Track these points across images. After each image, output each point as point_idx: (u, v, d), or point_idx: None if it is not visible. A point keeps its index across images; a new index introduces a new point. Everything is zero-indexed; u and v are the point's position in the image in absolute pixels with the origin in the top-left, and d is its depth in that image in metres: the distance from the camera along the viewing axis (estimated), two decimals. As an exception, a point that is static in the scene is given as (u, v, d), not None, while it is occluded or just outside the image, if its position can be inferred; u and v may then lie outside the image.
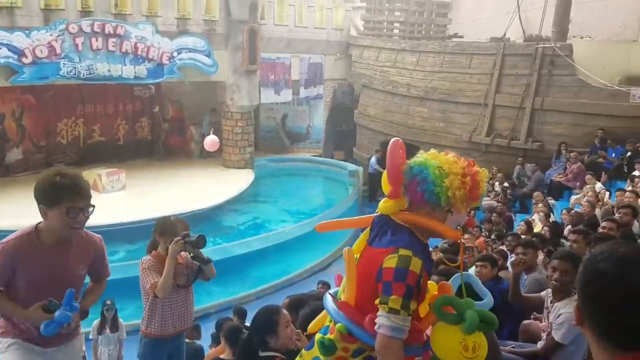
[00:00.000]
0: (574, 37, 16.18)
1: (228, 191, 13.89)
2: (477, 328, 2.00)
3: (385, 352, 1.95)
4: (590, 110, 12.75)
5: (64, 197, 2.66)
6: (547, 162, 13.02)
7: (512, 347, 4.01)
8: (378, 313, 1.97)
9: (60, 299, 2.71)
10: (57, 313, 2.66)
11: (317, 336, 2.25)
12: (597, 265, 1.20)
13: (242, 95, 15.65)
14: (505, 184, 12.68)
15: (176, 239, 3.94)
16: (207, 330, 7.03)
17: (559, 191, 12.06)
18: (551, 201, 11.10)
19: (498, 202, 11.70)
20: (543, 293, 4.22)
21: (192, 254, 4.11)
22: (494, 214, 10.35)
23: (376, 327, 1.96)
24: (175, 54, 13.99)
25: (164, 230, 4.07)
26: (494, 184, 12.97)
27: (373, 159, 16.31)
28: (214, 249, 11.05)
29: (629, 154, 11.31)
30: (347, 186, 16.01)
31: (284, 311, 3.24)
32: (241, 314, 7.03)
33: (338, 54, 18.67)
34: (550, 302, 3.93)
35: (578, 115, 12.91)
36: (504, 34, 15.32)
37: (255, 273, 10.99)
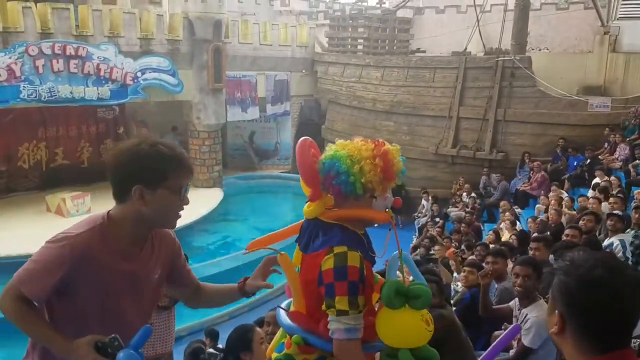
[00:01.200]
0: (533, 49, 16.73)
1: (197, 211, 13.69)
2: (430, 301, 1.96)
3: (344, 356, 1.89)
4: (551, 120, 13.14)
5: (172, 171, 2.01)
6: (512, 172, 13.32)
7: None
8: (329, 318, 1.92)
9: (125, 326, 1.98)
10: (120, 354, 1.78)
11: (274, 356, 2.15)
12: (590, 274, 1.25)
13: (209, 113, 15.56)
14: (473, 195, 12.90)
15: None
16: (179, 353, 6.87)
17: (524, 200, 12.33)
18: (517, 210, 11.34)
19: (466, 212, 11.88)
20: (512, 303, 4.29)
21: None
22: (463, 225, 10.50)
23: (330, 333, 1.90)
24: (139, 74, 13.84)
25: None
26: (461, 194, 13.18)
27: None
28: (184, 270, 10.88)
29: (588, 161, 11.66)
30: (318, 202, 16.02)
31: (258, 329, 3.22)
32: (213, 335, 6.93)
33: (304, 71, 18.80)
34: (518, 310, 4.00)
35: (539, 125, 13.28)
36: (465, 48, 15.72)
37: (227, 293, 10.83)
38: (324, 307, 1.93)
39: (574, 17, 18.62)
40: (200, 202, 14.41)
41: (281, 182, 17.93)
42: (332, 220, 2.05)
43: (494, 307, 4.49)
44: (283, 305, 2.25)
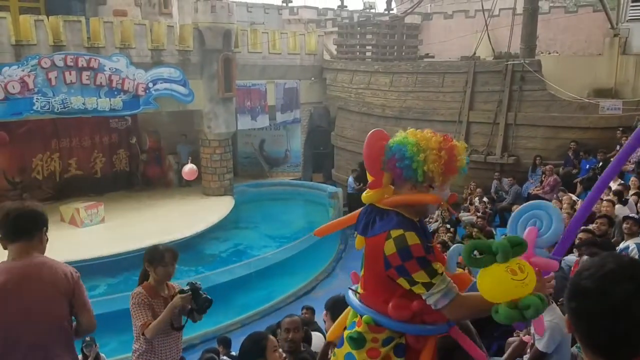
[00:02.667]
0: (542, 53, 16.67)
1: (208, 219, 13.80)
2: (510, 252, 1.92)
3: (460, 314, 2.06)
4: (562, 124, 13.06)
5: None
6: (524, 176, 13.24)
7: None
8: (423, 296, 2.02)
9: None
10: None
11: (345, 333, 2.29)
12: (580, 282, 1.25)
13: (219, 122, 15.68)
14: (485, 199, 12.84)
15: (182, 296, 3.68)
16: (192, 361, 6.92)
17: (536, 204, 12.23)
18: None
19: (478, 217, 11.82)
20: None
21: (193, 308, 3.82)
22: (475, 229, 10.44)
23: (433, 307, 2.02)
24: (150, 84, 13.98)
25: (152, 259, 3.81)
26: (473, 199, 13.12)
27: (350, 179, 16.41)
28: (196, 277, 10.94)
29: (600, 164, 11.56)
30: (328, 208, 16.04)
31: (271, 336, 3.23)
32: (226, 343, 6.96)
33: (313, 78, 18.88)
34: None
35: (550, 129, 13.20)
36: (474, 53, 15.70)
37: (239, 300, 10.88)
38: (407, 287, 2.05)
39: (583, 20, 18.58)
40: (212, 210, 14.51)
41: (292, 189, 17.98)
42: (388, 207, 2.17)
43: None
44: (352, 287, 2.40)
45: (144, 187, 16.66)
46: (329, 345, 4.00)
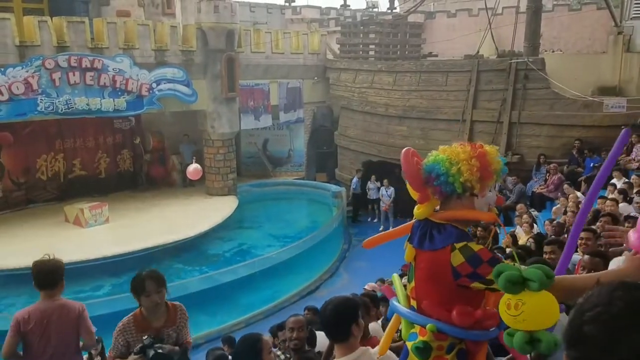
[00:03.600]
0: (546, 51, 16.61)
1: (212, 219, 13.81)
2: (514, 286, 1.86)
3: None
4: (566, 122, 13.02)
5: None
6: (528, 174, 13.19)
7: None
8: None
9: None
10: None
11: (409, 345, 2.36)
12: (582, 328, 1.04)
13: (223, 122, 15.69)
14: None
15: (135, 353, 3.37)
16: (198, 361, 6.91)
17: (541, 202, 12.21)
18: (534, 213, 11.22)
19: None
20: None
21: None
22: (479, 228, 10.41)
23: None
24: (154, 85, 14.01)
25: (134, 289, 3.59)
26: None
27: (355, 179, 16.44)
28: (200, 277, 10.96)
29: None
30: (332, 207, 16.04)
31: (265, 337, 3.21)
32: (230, 342, 6.96)
33: (316, 78, 18.88)
34: None
35: (554, 127, 13.16)
36: (477, 51, 15.66)
37: (244, 300, 10.89)
38: (483, 287, 2.15)
39: (586, 18, 18.50)
40: (215, 210, 14.53)
41: (295, 188, 17.98)
42: (442, 221, 2.30)
43: None
44: (390, 306, 2.55)
45: (148, 187, 16.69)
46: (333, 345, 4.01)
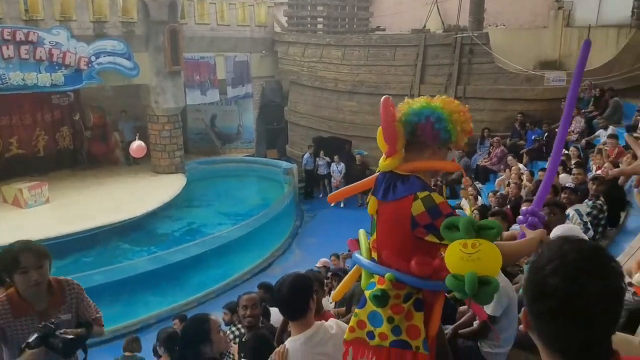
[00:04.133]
0: (490, 26, 16.89)
1: (160, 197, 13.48)
2: (472, 230, 1.99)
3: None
4: (509, 96, 13.38)
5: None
6: (472, 148, 13.53)
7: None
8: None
9: None
10: None
11: (367, 293, 2.37)
12: (546, 280, 1.11)
13: (167, 97, 15.21)
14: (436, 171, 13.06)
15: (31, 352, 2.61)
16: (148, 341, 6.79)
17: (485, 175, 12.58)
18: (478, 185, 11.56)
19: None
20: None
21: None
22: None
23: None
24: (93, 58, 13.38)
25: (3, 265, 2.86)
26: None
27: (307, 155, 16.38)
28: (150, 257, 10.74)
29: (546, 134, 11.95)
30: (283, 184, 15.97)
31: (212, 317, 3.18)
32: (185, 319, 6.87)
33: (264, 52, 18.54)
34: None
35: (498, 101, 13.51)
36: (424, 26, 15.77)
37: (195, 279, 10.76)
38: (437, 241, 2.16)
39: (529, -8, 18.87)
40: (163, 189, 14.18)
41: (245, 165, 17.78)
42: (407, 172, 2.30)
43: None
44: (357, 253, 2.57)
45: (89, 166, 16.08)
46: (286, 321, 4.02)
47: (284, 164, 16.75)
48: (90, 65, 13.34)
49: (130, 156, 14.30)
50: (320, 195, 16.65)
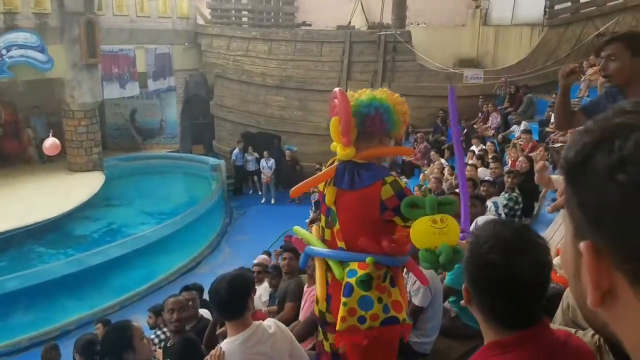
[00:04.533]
0: (412, 24, 17.35)
1: (76, 197, 12.78)
2: (436, 205, 2.24)
3: None
4: (430, 93, 13.80)
5: None
6: (398, 144, 13.84)
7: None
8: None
9: None
10: None
11: (352, 280, 2.45)
12: (485, 257, 1.26)
13: (84, 91, 14.43)
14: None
15: None
16: (67, 348, 6.42)
17: (410, 170, 12.92)
18: (404, 180, 11.84)
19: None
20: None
21: None
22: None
23: None
24: (4, 51, 12.63)
25: None
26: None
27: (236, 151, 16.07)
28: (67, 260, 10.18)
29: (465, 130, 12.45)
30: (210, 181, 15.62)
31: (135, 324, 3.06)
32: (109, 324, 6.57)
33: (186, 44, 18.02)
34: (406, 273, 4.14)
35: (421, 98, 13.89)
36: (349, 22, 15.93)
37: (117, 282, 10.33)
38: (401, 223, 2.36)
39: (448, -9, 19.54)
40: (79, 188, 13.46)
41: (169, 162, 17.23)
42: (365, 160, 2.47)
43: None
44: (307, 253, 2.71)
45: (1, 165, 14.98)
46: (216, 323, 3.93)
47: (211, 160, 16.38)
48: (0, 58, 12.47)
49: (44, 154, 13.46)
50: (250, 192, 16.46)
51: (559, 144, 8.59)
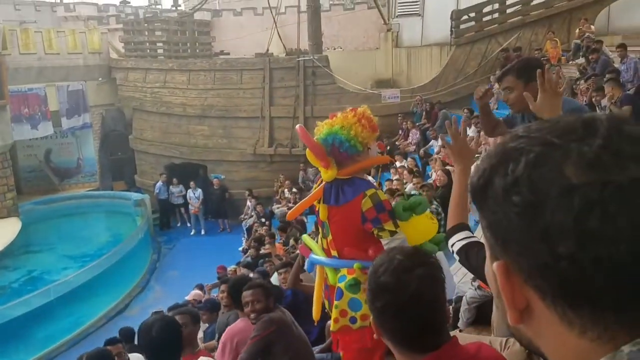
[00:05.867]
0: (328, 48, 17.83)
1: (-9, 247, 11.92)
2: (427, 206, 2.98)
3: None
4: (352, 113, 14.17)
5: None
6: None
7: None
8: (385, 241, 2.60)
9: None
10: None
11: (342, 285, 2.74)
12: (379, 280, 1.31)
13: (-8, 134, 13.60)
14: (294, 190, 13.35)
15: None
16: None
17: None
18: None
19: (289, 208, 12.23)
20: None
21: None
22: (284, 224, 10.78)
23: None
24: None
25: None
26: (283, 191, 13.55)
27: (159, 184, 15.62)
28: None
29: (388, 148, 12.85)
30: (135, 217, 15.07)
31: (109, 347, 3.01)
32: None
33: (100, 79, 17.48)
34: None
35: (343, 119, 14.23)
36: (267, 49, 16.12)
37: (41, 333, 9.67)
38: (376, 233, 2.64)
39: (360, 16, 20.31)
40: (-6, 237, 12.57)
41: (89, 201, 16.51)
42: (348, 176, 2.75)
43: (302, 284, 4.69)
44: (313, 256, 3.03)
45: None
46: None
47: (134, 196, 15.83)
48: None
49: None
50: (178, 225, 16.02)
51: (477, 154, 9.06)
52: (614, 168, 0.51)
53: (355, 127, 2.71)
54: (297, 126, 2.99)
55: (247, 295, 3.56)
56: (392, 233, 2.64)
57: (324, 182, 2.86)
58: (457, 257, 1.76)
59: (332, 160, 2.79)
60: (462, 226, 1.79)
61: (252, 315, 3.53)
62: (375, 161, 3.08)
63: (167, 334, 2.48)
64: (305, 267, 3.54)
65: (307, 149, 2.84)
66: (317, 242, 3.14)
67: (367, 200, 2.63)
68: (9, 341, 9.05)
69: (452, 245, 1.78)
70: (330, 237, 2.83)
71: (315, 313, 3.20)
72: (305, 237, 3.33)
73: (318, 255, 2.97)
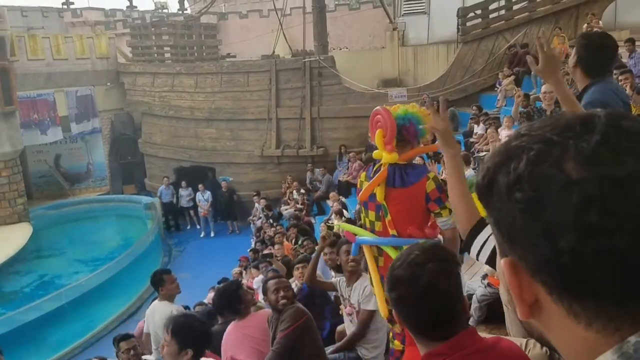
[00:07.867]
0: (334, 49, 17.84)
1: (3, 252, 12.05)
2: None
3: (455, 238, 2.84)
4: (359, 113, 14.12)
5: None
6: (333, 165, 14.08)
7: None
8: (442, 219, 2.87)
9: None
10: None
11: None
12: (394, 273, 1.40)
13: (2, 141, 13.77)
14: (302, 191, 13.36)
15: None
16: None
17: (347, 189, 13.11)
18: (343, 199, 12.01)
19: (297, 209, 12.24)
20: (334, 280, 4.50)
21: None
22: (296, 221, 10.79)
23: (446, 226, 2.88)
24: None
25: None
26: (292, 192, 13.57)
27: (162, 187, 15.65)
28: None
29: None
30: (145, 220, 15.15)
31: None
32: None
33: (109, 84, 17.60)
34: (347, 287, 4.18)
35: (350, 119, 14.22)
36: (273, 51, 16.15)
37: (53, 337, 9.74)
38: (438, 211, 2.88)
39: (365, 16, 20.33)
40: (6, 242, 12.74)
41: (100, 205, 16.62)
42: (404, 161, 2.98)
43: (318, 280, 4.72)
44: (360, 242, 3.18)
45: None
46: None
47: (145, 199, 15.91)
48: None
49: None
50: (188, 227, 16.08)
51: (484, 153, 9.03)
52: (612, 163, 0.52)
53: (426, 118, 2.88)
54: (381, 107, 3.05)
55: (273, 284, 3.69)
56: (451, 211, 2.83)
57: (384, 167, 3.01)
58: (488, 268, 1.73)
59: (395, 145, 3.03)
60: (482, 224, 1.64)
61: (283, 302, 3.58)
62: (428, 148, 3.49)
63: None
64: (351, 251, 3.56)
65: (378, 131, 2.96)
66: (359, 225, 3.24)
67: (430, 182, 2.87)
68: (21, 346, 9.11)
69: (477, 254, 1.65)
70: (389, 218, 2.98)
71: (382, 309, 3.08)
72: (344, 224, 3.70)
73: (368, 237, 3.10)
